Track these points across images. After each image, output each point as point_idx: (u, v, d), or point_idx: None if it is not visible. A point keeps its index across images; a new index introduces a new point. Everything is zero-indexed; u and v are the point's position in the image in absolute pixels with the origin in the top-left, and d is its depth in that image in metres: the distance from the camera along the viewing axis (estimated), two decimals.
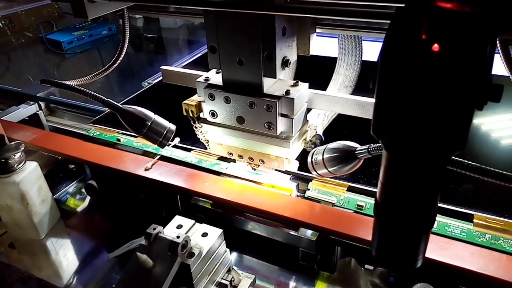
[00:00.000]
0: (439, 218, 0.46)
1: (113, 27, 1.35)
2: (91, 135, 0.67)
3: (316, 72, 0.59)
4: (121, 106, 0.50)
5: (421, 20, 0.23)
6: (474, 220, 0.46)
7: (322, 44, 0.50)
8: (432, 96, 0.23)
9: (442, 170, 0.27)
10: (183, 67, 0.88)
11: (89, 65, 1.21)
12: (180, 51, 1.23)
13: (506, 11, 0.24)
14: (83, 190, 0.65)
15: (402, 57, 0.23)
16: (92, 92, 0.50)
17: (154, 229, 0.40)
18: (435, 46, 0.23)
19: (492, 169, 0.36)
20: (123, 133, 0.66)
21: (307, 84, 0.48)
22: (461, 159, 0.36)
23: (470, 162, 0.36)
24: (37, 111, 0.79)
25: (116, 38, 1.34)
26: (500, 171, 0.36)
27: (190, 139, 0.61)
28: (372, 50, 0.51)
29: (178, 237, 0.38)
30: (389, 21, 0.24)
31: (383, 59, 0.24)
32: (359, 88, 0.57)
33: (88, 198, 0.65)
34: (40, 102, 0.79)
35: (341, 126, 0.56)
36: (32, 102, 0.79)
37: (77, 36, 1.26)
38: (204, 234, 0.42)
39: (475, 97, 0.23)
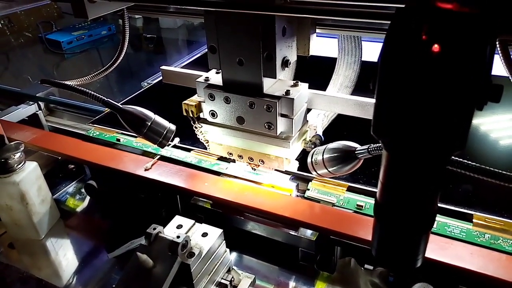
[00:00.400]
0: (439, 218, 0.46)
1: (112, 27, 1.35)
2: (91, 135, 0.67)
3: (316, 72, 0.59)
4: (121, 106, 0.50)
5: (421, 20, 0.23)
6: (474, 220, 0.46)
7: (322, 45, 0.50)
8: (432, 96, 0.23)
9: (442, 170, 0.27)
10: (182, 67, 0.89)
11: (88, 65, 1.21)
12: (179, 51, 1.23)
13: (506, 12, 0.24)
14: (83, 190, 0.65)
15: (402, 58, 0.24)
16: (92, 92, 0.50)
17: (154, 229, 0.40)
18: (435, 47, 0.23)
19: (492, 169, 0.36)
20: (122, 133, 0.66)
21: (307, 84, 0.48)
22: (461, 159, 0.36)
23: (469, 162, 0.36)
24: (37, 111, 0.79)
25: (116, 38, 1.34)
26: (500, 171, 0.36)
27: (190, 139, 0.61)
28: (371, 50, 0.51)
29: (178, 237, 0.38)
30: (389, 22, 0.24)
31: (383, 59, 0.24)
32: (359, 89, 0.57)
33: (88, 198, 0.65)
34: (40, 102, 0.79)
35: (341, 126, 0.56)
36: (31, 102, 0.79)
37: (76, 36, 1.26)
38: (204, 234, 0.42)
39: (475, 97, 0.24)
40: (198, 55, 1.06)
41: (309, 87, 0.49)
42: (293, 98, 0.45)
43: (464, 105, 0.24)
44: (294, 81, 0.48)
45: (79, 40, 1.27)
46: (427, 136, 0.25)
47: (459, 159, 0.36)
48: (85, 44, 1.27)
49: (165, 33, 1.37)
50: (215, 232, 0.43)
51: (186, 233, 0.42)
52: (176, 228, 0.43)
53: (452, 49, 0.22)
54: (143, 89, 0.86)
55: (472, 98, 0.24)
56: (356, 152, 0.43)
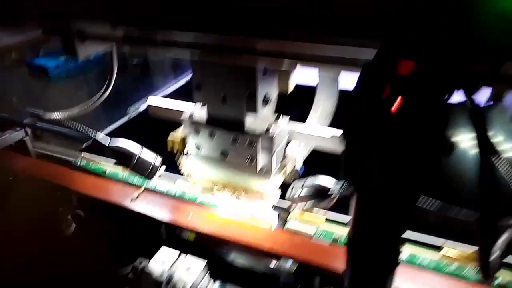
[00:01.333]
0: (408, 248, 0.49)
1: None
2: (78, 164, 0.68)
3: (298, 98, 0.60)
4: (108, 144, 0.51)
5: (383, 83, 0.26)
6: (442, 250, 0.48)
7: (303, 74, 0.52)
8: (393, 150, 0.26)
9: (406, 213, 0.30)
10: (170, 93, 0.90)
11: (76, 90, 1.22)
12: (167, 76, 1.25)
13: (460, 70, 0.27)
14: (69, 217, 0.66)
15: (366, 116, 0.26)
16: (81, 127, 0.52)
17: (141, 262, 0.41)
18: (395, 106, 0.26)
19: (453, 208, 0.39)
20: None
21: (287, 118, 0.50)
22: (425, 204, 0.39)
23: (433, 201, 0.39)
24: (24, 138, 0.79)
25: (104, 61, 1.34)
26: (458, 208, 0.39)
27: (177, 168, 0.63)
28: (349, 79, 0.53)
29: (162, 275, 0.40)
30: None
31: (350, 118, 0.27)
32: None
33: (74, 225, 0.65)
34: (27, 129, 0.80)
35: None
36: (18, 129, 0.79)
37: (63, 61, 1.27)
38: (188, 268, 0.44)
39: (433, 151, 0.26)
40: (186, 79, 1.08)
41: (292, 111, 0.51)
42: (273, 136, 0.47)
43: (423, 157, 0.27)
44: (276, 115, 0.50)
45: (66, 64, 1.27)
46: (391, 184, 0.27)
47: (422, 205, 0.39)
48: (72, 69, 1.28)
49: (152, 58, 1.38)
50: (198, 265, 0.44)
51: (171, 266, 0.44)
52: (162, 261, 0.44)
53: (410, 110, 0.25)
54: (130, 116, 0.88)
55: (430, 152, 0.27)
56: (329, 193, 0.45)
